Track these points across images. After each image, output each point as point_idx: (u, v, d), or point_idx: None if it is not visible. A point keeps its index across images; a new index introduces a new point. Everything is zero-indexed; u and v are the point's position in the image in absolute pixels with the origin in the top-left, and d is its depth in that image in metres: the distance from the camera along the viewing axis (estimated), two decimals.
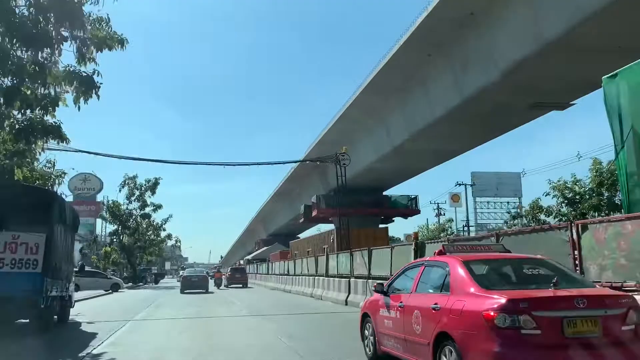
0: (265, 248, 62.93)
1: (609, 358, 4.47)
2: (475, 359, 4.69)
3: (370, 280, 15.58)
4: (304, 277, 25.59)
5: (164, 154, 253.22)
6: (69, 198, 69.53)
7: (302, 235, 73.14)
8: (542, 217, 31.91)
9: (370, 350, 7.34)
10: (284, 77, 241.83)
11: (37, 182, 15.54)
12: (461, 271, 5.43)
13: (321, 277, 22.28)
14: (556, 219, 27.36)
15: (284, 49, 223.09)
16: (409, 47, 20.40)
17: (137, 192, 49.17)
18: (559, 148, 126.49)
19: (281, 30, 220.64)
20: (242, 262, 75.65)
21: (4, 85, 9.12)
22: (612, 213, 20.38)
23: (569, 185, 26.54)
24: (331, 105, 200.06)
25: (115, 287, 34.86)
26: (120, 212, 48.25)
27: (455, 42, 19.60)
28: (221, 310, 18.26)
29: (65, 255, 12.95)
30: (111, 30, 9.31)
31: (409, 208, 37.93)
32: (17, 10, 8.53)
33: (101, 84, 9.34)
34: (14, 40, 8.44)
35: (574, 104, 20.85)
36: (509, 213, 49.76)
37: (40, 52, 8.89)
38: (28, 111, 9.67)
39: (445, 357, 5.12)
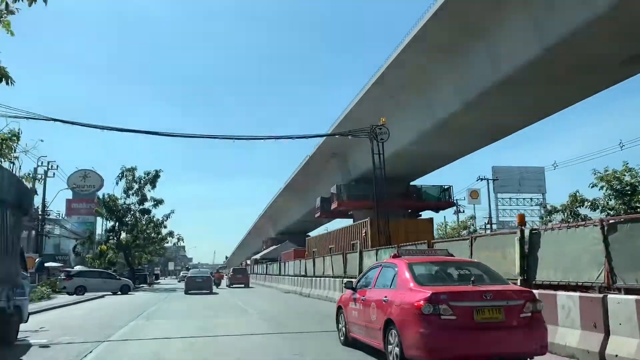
0: (274, 247, 58.47)
1: (509, 337, 6.02)
2: (408, 339, 6.16)
3: None
4: (327, 279, 21.12)
5: (168, 153, 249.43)
6: (69, 195, 66.34)
7: (312, 234, 68.89)
8: (585, 211, 29.37)
9: (342, 337, 9.00)
10: (287, 78, 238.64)
11: None
12: (405, 271, 6.94)
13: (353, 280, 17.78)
14: (603, 213, 24.96)
15: (288, 49, 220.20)
16: None
17: (135, 186, 44.83)
18: (579, 145, 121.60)
19: (285, 29, 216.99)
20: (249, 262, 71.41)
21: None
22: None
23: (617, 175, 23.98)
24: (336, 107, 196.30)
25: (125, 289, 31.61)
26: (117, 207, 43.88)
27: None
28: (231, 323, 13.81)
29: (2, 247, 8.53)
30: None
31: (442, 200, 33.39)
32: None
33: None
34: None
35: None
36: (544, 207, 45.03)
37: None
38: None
39: (391, 339, 6.63)
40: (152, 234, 47.84)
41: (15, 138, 11.60)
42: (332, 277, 20.61)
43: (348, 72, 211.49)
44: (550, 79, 17.57)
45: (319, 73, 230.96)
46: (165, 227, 46.66)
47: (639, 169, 24.48)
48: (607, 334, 6.68)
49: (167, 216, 46.87)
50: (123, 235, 48.09)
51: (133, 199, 44.97)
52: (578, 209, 37.01)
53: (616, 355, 6.40)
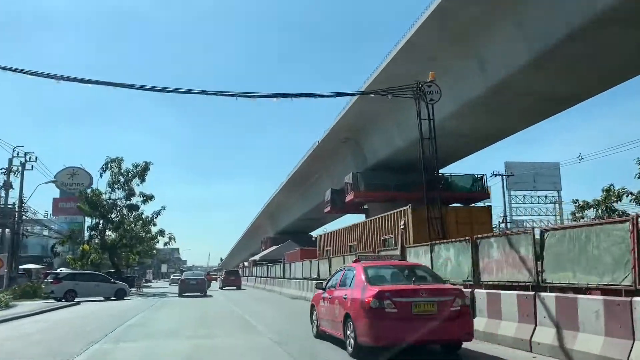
0: (274, 247, 54.05)
1: (441, 326, 7.22)
2: (360, 329, 7.54)
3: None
4: None
5: (161, 154, 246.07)
6: (56, 194, 61.75)
7: (317, 232, 64.45)
8: (626, 205, 25.87)
9: (314, 331, 10.25)
10: (282, 76, 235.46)
11: None
12: (361, 273, 8.32)
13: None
14: None
15: (281, 48, 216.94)
16: None
17: (122, 179, 40.34)
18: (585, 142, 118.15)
19: (278, 29, 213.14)
20: (246, 263, 67.01)
21: None
22: None
23: None
24: (330, 106, 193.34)
25: (120, 294, 28.05)
26: (101, 202, 39.35)
27: None
28: (236, 346, 9.48)
29: None
30: None
31: (474, 191, 29.06)
32: None
33: None
34: None
35: None
36: (575, 203, 40.78)
37: None
38: None
39: (349, 330, 7.91)
40: (141, 233, 43.33)
41: None
42: None
43: (342, 72, 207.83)
44: None
45: (315, 71, 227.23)
46: (154, 224, 42.06)
47: None
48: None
49: (158, 213, 42.13)
50: (109, 234, 43.83)
51: (119, 193, 40.58)
52: (614, 203, 34.44)
53: None
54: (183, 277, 32.73)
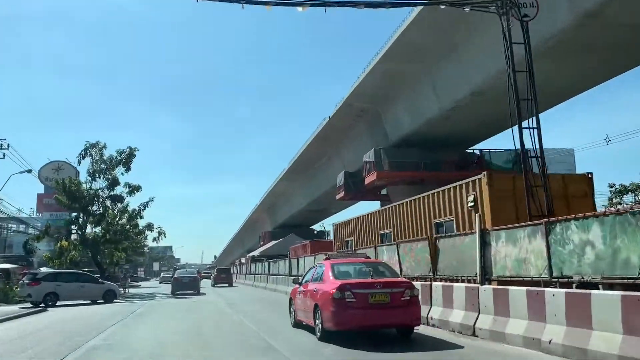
0: (274, 242, 49.73)
1: (393, 313, 8.67)
2: (325, 316, 8.82)
3: None
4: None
5: (155, 153, 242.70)
6: (40, 189, 57.09)
7: (328, 222, 60.16)
8: None
9: (292, 320, 11.36)
10: (274, 75, 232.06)
11: None
12: (329, 269, 9.68)
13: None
14: None
15: (274, 45, 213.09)
16: None
17: (103, 166, 35.82)
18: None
19: (273, 26, 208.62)
20: (243, 260, 62.67)
21: None
22: None
23: None
24: (324, 103, 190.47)
25: (109, 296, 24.58)
26: (80, 192, 34.79)
27: None
28: None
29: None
30: None
31: (515, 170, 24.74)
32: None
33: None
34: None
35: None
36: (611, 187, 36.81)
37: None
38: None
39: (317, 318, 9.19)
40: (127, 227, 38.81)
41: None
42: (412, 277, 12.11)
43: (336, 68, 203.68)
44: None
45: (311, 70, 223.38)
46: (141, 217, 37.54)
47: None
48: None
49: (145, 205, 37.58)
50: (90, 229, 39.31)
51: (101, 182, 36.09)
52: None
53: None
54: (176, 276, 32.48)
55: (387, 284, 8.95)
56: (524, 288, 7.92)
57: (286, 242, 44.60)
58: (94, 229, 38.64)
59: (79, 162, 34.99)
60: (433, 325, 10.47)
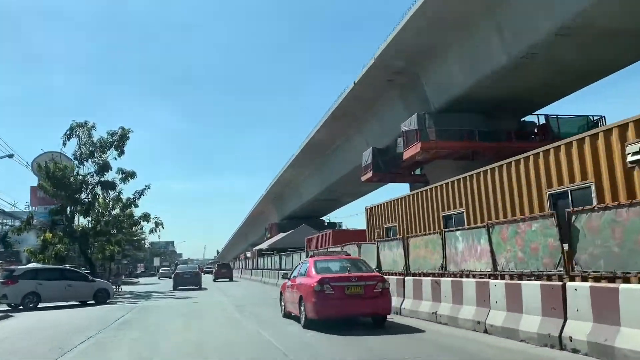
0: (284, 234, 45.64)
1: (366, 303, 9.74)
2: (307, 307, 9.92)
3: None
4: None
5: (157, 149, 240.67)
6: (33, 182, 53.07)
7: (330, 217, 56.03)
8: None
9: (282, 312, 12.44)
10: (277, 70, 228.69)
11: None
12: (312, 265, 10.72)
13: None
14: None
15: (274, 40, 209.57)
16: None
17: (92, 149, 31.73)
18: None
19: (270, 20, 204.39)
20: (249, 254, 58.68)
21: None
22: None
23: None
24: (324, 98, 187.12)
25: (102, 296, 21.07)
26: (66, 178, 30.72)
27: None
28: None
29: None
30: None
31: None
32: None
33: None
34: None
35: None
36: None
37: None
38: None
39: (302, 308, 10.24)
40: (121, 217, 34.71)
41: None
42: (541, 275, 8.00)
43: (337, 62, 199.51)
44: None
45: (307, 66, 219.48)
46: (136, 206, 33.43)
47: None
48: None
49: (141, 193, 33.47)
50: (79, 220, 35.30)
51: (90, 167, 32.00)
52: None
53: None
54: (178, 271, 32.46)
55: (362, 277, 10.03)
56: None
57: (298, 233, 40.52)
58: (83, 220, 34.75)
59: (64, 144, 30.78)
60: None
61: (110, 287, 22.55)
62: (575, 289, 6.95)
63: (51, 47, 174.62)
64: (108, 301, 21.23)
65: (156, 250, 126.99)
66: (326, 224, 53.94)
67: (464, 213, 12.80)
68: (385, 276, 11.02)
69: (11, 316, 16.36)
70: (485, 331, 8.63)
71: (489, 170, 12.17)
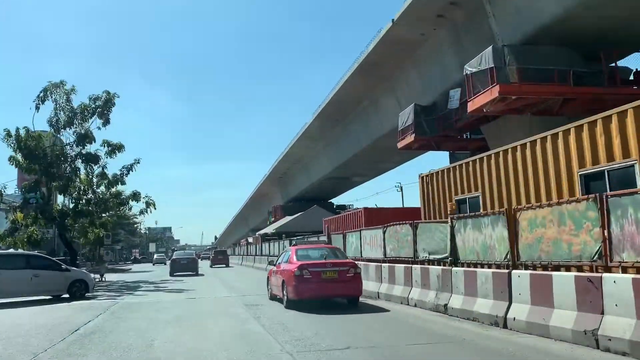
0: (290, 217, 41.17)
1: (340, 286, 11.19)
2: (288, 289, 11.32)
3: None
4: None
5: (154, 135, 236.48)
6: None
7: (340, 200, 51.56)
8: None
9: (269, 294, 13.77)
10: (274, 55, 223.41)
11: None
12: (293, 253, 12.23)
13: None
14: None
15: (273, 25, 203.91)
16: None
17: (70, 115, 27.11)
18: None
19: (270, 5, 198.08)
20: (250, 239, 54.32)
21: None
22: None
23: None
24: (323, 82, 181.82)
25: (79, 289, 16.97)
26: (41, 149, 26.13)
27: None
28: None
29: None
30: None
31: None
32: None
33: None
34: None
35: None
36: None
37: None
38: None
39: (284, 291, 11.63)
40: (107, 195, 30.13)
41: None
42: None
43: (335, 47, 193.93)
44: None
45: (304, 51, 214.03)
46: (123, 183, 28.83)
47: None
48: None
49: (129, 168, 28.89)
50: (55, 197, 30.87)
51: (69, 137, 27.38)
52: None
53: None
54: (174, 257, 32.53)
55: (336, 264, 11.45)
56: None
57: (308, 216, 36.16)
58: (62, 199, 30.20)
59: (37, 108, 26.01)
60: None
61: (89, 278, 18.09)
62: None
63: (47, 32, 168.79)
64: (87, 294, 17.12)
65: (153, 236, 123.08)
66: (335, 207, 49.52)
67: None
68: (475, 268, 9.44)
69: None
70: None
71: None
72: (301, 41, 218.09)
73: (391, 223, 13.66)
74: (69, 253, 28.71)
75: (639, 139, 8.42)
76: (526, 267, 8.26)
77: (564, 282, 6.96)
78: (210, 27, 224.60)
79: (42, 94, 25.88)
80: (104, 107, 27.65)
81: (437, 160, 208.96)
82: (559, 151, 10.08)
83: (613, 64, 15.88)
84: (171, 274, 28.67)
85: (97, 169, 28.50)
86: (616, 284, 6.11)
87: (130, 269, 48.48)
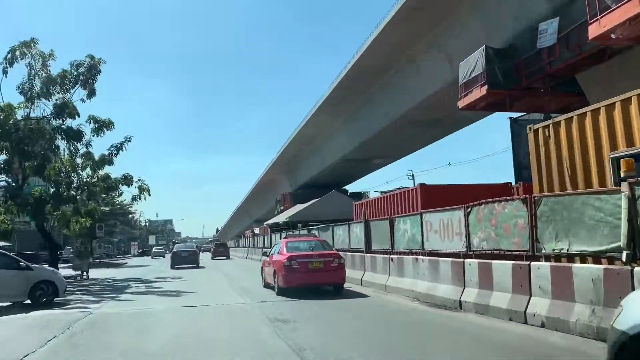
0: (304, 205, 36.74)
1: (325, 275, 12.47)
2: (279, 278, 12.50)
3: None
4: None
5: (154, 128, 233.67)
6: None
7: (354, 187, 47.17)
8: None
9: (263, 283, 15.01)
10: (273, 49, 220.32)
11: None
12: (283, 245, 13.63)
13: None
14: None
15: (272, 19, 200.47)
16: None
17: (46, 82, 22.69)
18: None
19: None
20: (257, 231, 50.16)
21: None
22: None
23: None
24: (322, 75, 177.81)
25: (44, 293, 13.00)
26: (14, 124, 21.83)
27: None
28: None
29: None
30: None
31: None
32: None
33: None
34: None
35: None
36: None
37: None
38: None
39: (275, 279, 12.86)
40: (93, 179, 25.75)
41: None
42: None
43: (335, 41, 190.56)
44: None
45: (311, 43, 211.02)
46: (111, 163, 24.42)
47: None
48: None
49: (119, 147, 24.47)
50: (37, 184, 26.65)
51: (45, 109, 22.94)
52: None
53: None
54: (175, 250, 32.29)
55: (322, 255, 12.79)
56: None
57: (326, 202, 31.81)
58: (40, 183, 25.87)
59: (5, 72, 21.52)
60: None
61: (58, 279, 13.75)
62: None
63: (43, 23, 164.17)
64: (57, 299, 13.02)
65: (154, 229, 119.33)
66: (349, 194, 45.13)
67: None
68: None
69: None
70: None
71: None
72: (303, 33, 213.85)
73: (482, 201, 9.31)
74: (48, 246, 24.47)
75: None
76: None
77: None
78: (210, 20, 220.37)
79: (9, 55, 21.39)
80: (88, 74, 23.18)
81: (469, 137, 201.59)
82: None
83: None
84: (172, 267, 28.34)
85: (81, 149, 24.19)
86: None
87: (126, 263, 44.28)
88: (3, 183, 23.14)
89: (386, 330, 7.96)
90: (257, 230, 49.41)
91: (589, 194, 6.98)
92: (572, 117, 8.27)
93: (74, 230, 27.69)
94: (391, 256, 13.20)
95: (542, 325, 7.05)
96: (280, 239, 37.55)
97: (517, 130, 17.81)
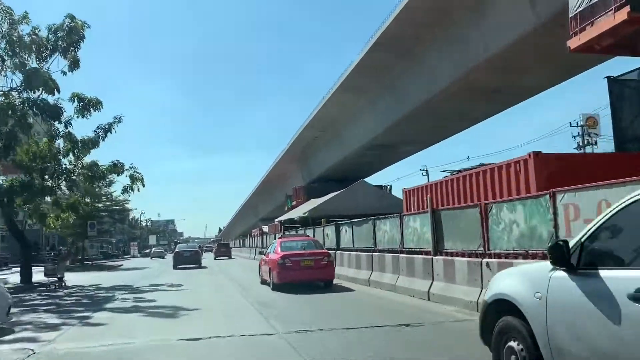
0: (322, 200, 32.32)
1: (316, 272, 13.71)
2: (274, 274, 13.89)
3: None
4: None
5: (156, 128, 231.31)
6: None
7: (375, 178, 42.63)
8: None
9: (260, 280, 16.30)
10: (275, 47, 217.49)
11: None
12: (278, 244, 14.86)
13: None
14: None
15: (274, 18, 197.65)
16: None
17: (15, 46, 18.47)
18: None
19: None
20: (265, 229, 46.00)
21: None
22: None
23: None
24: (325, 74, 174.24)
25: None
26: None
27: None
28: None
29: None
30: None
31: None
32: None
33: None
34: None
35: None
36: None
37: None
38: None
39: (270, 276, 14.21)
40: (77, 166, 21.39)
41: None
42: None
43: (338, 39, 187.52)
44: None
45: (312, 42, 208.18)
46: (96, 146, 20.03)
47: None
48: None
49: (107, 129, 20.09)
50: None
51: (15, 80, 18.64)
52: None
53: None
54: (177, 250, 32.07)
55: (312, 254, 13.90)
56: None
57: (351, 194, 27.57)
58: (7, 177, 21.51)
59: None
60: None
61: (3, 295, 9.31)
62: None
63: (38, 17, 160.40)
64: (2, 325, 8.66)
65: (155, 229, 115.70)
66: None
67: None
68: None
69: None
70: None
71: None
72: (305, 31, 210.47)
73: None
74: (20, 245, 20.24)
75: None
76: None
77: None
78: (211, 17, 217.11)
79: None
80: (68, 38, 18.89)
81: (496, 128, 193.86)
82: None
83: None
84: (175, 267, 28.31)
85: (62, 130, 19.95)
86: None
87: (121, 265, 39.97)
88: None
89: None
90: (265, 229, 45.12)
91: None
92: None
93: (54, 226, 23.38)
94: (486, 260, 8.87)
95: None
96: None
97: (618, 90, 13.45)
